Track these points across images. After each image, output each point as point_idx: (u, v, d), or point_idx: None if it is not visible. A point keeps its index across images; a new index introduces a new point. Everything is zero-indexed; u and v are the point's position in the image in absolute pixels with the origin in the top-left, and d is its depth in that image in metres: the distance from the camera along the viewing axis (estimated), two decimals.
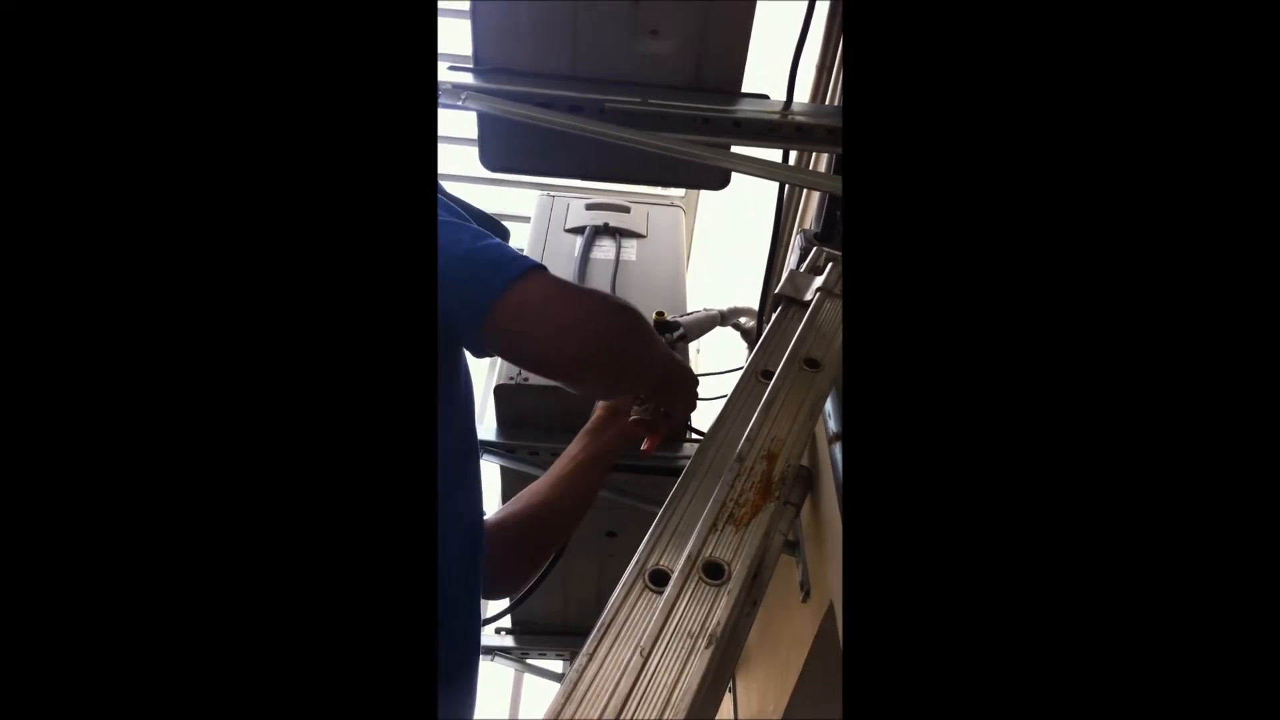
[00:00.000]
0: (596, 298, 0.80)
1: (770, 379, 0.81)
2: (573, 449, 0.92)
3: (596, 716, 0.57)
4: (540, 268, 0.71)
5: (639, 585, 0.66)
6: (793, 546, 1.11)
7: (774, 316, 0.90)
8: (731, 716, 1.48)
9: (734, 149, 0.95)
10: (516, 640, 1.59)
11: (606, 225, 1.43)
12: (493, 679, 1.85)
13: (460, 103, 0.91)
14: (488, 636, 1.64)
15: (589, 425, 0.94)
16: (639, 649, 0.60)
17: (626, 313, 0.78)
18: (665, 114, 0.91)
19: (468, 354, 0.83)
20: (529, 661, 1.68)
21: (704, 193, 2.25)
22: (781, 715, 1.16)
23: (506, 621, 1.59)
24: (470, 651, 0.77)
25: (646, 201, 1.57)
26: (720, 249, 2.02)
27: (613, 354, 0.76)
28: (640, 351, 0.79)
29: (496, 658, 1.64)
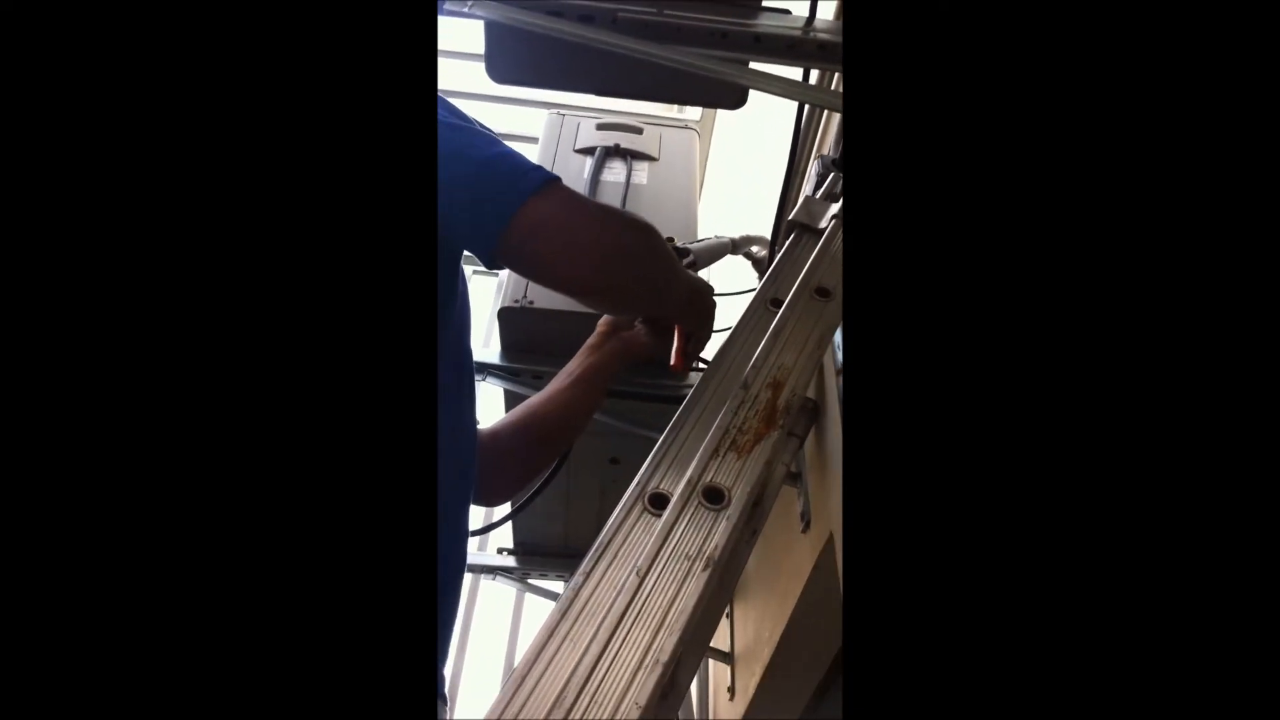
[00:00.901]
0: (616, 215, 0.78)
1: (779, 307, 0.79)
2: (571, 364, 0.92)
3: (592, 634, 0.57)
4: (557, 179, 0.69)
5: (638, 508, 0.66)
6: (795, 477, 1.11)
7: (787, 243, 0.88)
8: (728, 643, 1.51)
9: (752, 65, 0.91)
10: (518, 561, 1.62)
11: (618, 146, 1.40)
12: (495, 598, 1.89)
13: (466, 9, 0.87)
14: (490, 557, 1.67)
15: (589, 342, 0.93)
16: (636, 569, 0.60)
17: (646, 230, 0.76)
18: (681, 26, 0.87)
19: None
20: (530, 582, 1.71)
21: (720, 115, 2.19)
22: (777, 643, 1.18)
23: (508, 542, 1.61)
24: (455, 569, 0.78)
25: (660, 123, 1.52)
26: (737, 173, 1.98)
27: (633, 272, 0.74)
28: (660, 270, 0.78)
29: (498, 577, 1.67)
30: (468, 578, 1.99)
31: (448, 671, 0.78)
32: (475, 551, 1.75)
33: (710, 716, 1.63)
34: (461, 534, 0.80)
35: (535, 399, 0.91)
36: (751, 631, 1.36)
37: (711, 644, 1.56)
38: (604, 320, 0.94)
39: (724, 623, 1.55)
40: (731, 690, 1.43)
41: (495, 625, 1.90)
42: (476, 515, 1.35)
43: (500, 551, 1.63)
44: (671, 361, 0.90)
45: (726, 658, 1.48)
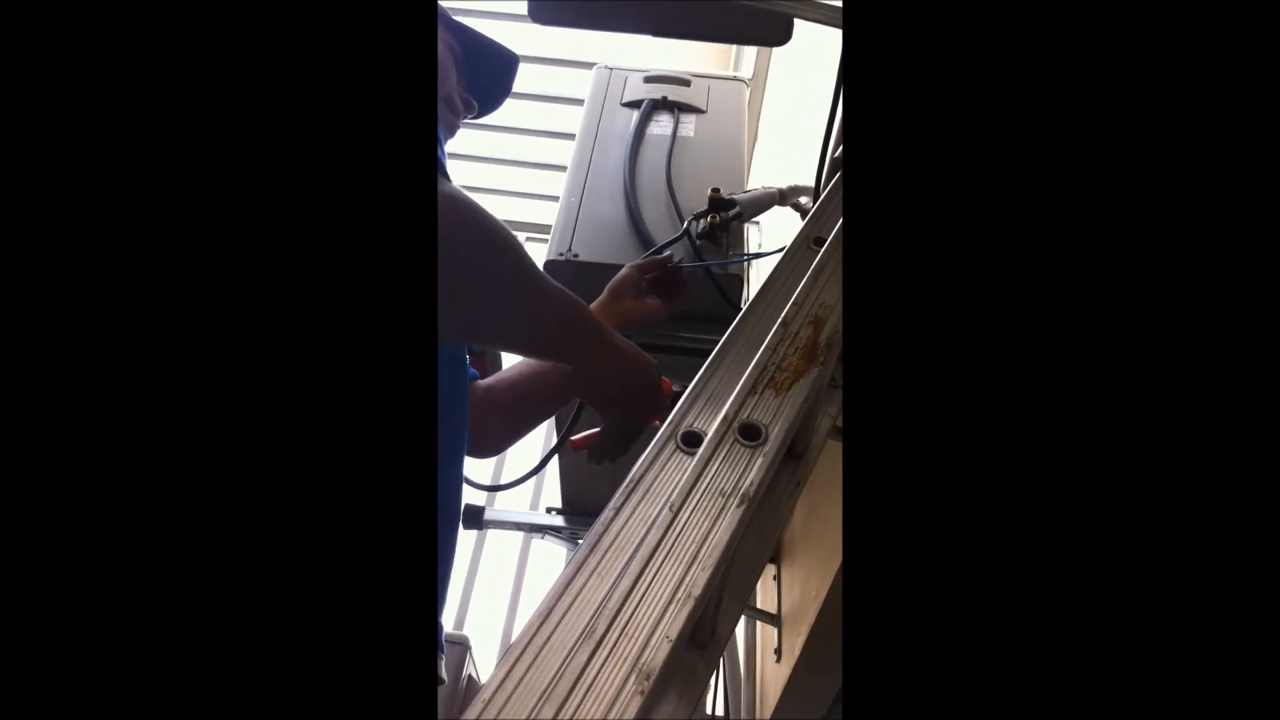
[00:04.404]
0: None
1: (822, 246, 0.76)
2: None
3: (622, 567, 0.56)
4: None
5: (670, 446, 0.64)
6: (839, 432, 1.08)
7: (831, 182, 0.85)
8: (775, 605, 1.49)
9: None
10: (567, 520, 1.63)
11: (665, 99, 1.37)
12: (545, 557, 1.91)
13: None
14: (539, 516, 1.68)
15: (592, 305, 0.92)
16: (669, 505, 0.59)
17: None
18: None
19: None
20: (579, 541, 1.72)
21: (774, 69, 2.14)
22: (823, 602, 1.16)
23: (557, 502, 1.63)
24: (450, 516, 0.78)
25: (709, 76, 1.49)
26: (791, 126, 1.93)
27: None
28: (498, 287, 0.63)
29: (547, 536, 1.69)
30: (519, 536, 2.02)
31: (448, 624, 0.80)
32: (526, 511, 1.77)
33: (758, 679, 1.63)
34: (456, 483, 0.81)
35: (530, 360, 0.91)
36: (798, 592, 1.34)
37: (759, 606, 1.55)
38: (610, 284, 0.93)
39: (771, 585, 1.53)
40: (778, 653, 1.41)
41: (546, 584, 1.93)
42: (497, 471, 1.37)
43: (549, 511, 1.65)
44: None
45: (774, 620, 1.47)
